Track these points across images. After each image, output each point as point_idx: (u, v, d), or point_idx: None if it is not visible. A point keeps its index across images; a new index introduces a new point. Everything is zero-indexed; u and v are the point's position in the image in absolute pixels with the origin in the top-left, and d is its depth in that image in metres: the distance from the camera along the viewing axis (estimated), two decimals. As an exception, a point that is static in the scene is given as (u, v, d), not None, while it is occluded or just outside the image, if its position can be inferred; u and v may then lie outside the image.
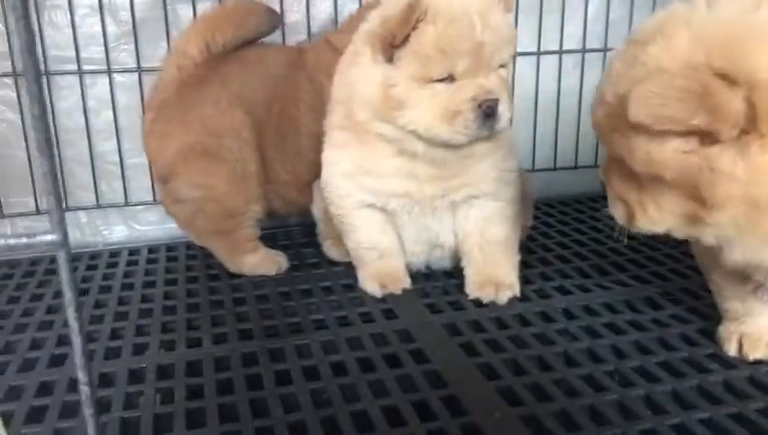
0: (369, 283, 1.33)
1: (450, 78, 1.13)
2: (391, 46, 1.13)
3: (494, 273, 1.30)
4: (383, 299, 1.30)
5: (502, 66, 1.18)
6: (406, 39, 1.12)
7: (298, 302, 1.30)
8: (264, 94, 1.41)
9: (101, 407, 0.94)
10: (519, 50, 1.73)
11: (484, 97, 1.12)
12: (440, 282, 1.37)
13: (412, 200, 1.27)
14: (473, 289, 1.30)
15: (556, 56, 1.81)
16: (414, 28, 1.12)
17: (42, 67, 1.51)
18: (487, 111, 1.12)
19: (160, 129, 1.38)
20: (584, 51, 1.82)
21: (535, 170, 1.86)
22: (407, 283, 1.33)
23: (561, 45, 1.80)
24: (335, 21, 1.66)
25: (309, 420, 0.92)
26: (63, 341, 1.16)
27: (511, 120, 1.23)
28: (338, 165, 1.31)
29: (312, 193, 1.45)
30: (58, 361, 1.10)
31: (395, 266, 1.34)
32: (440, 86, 1.13)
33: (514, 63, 1.67)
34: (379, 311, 1.25)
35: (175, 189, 1.38)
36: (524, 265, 1.36)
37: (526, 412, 0.92)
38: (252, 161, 1.39)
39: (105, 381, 1.04)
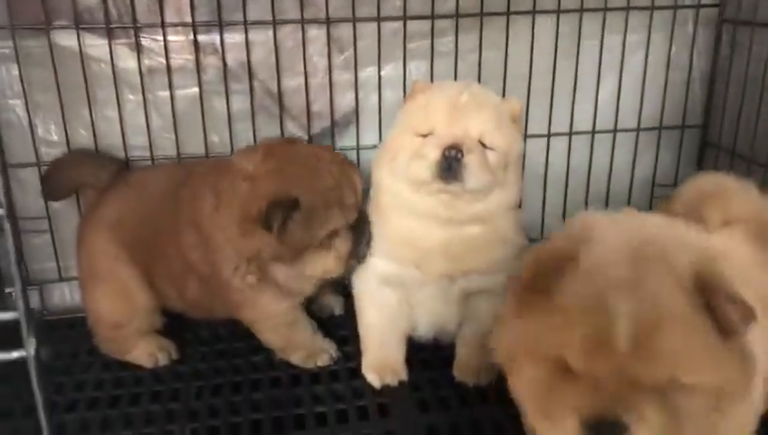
0: (370, 373, 1.51)
1: (431, 134, 1.33)
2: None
3: (482, 357, 1.42)
4: (380, 392, 1.47)
5: (488, 148, 1.33)
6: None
7: (307, 388, 1.49)
8: (138, 215, 1.54)
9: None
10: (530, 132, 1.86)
11: (448, 144, 1.29)
12: (435, 371, 1.54)
13: (424, 276, 1.42)
14: (459, 373, 1.49)
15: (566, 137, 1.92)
16: (414, 97, 1.40)
17: (95, 154, 1.72)
18: (448, 158, 1.28)
19: None
20: (594, 132, 1.92)
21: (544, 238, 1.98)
22: (403, 375, 1.50)
23: (570, 128, 1.90)
24: (356, 111, 1.81)
25: None
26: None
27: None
28: None
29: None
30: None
31: (394, 358, 1.51)
32: (421, 139, 1.35)
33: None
34: (376, 405, 1.43)
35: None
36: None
37: None
38: (131, 279, 1.54)
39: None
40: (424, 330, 1.52)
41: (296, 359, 1.56)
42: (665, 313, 0.79)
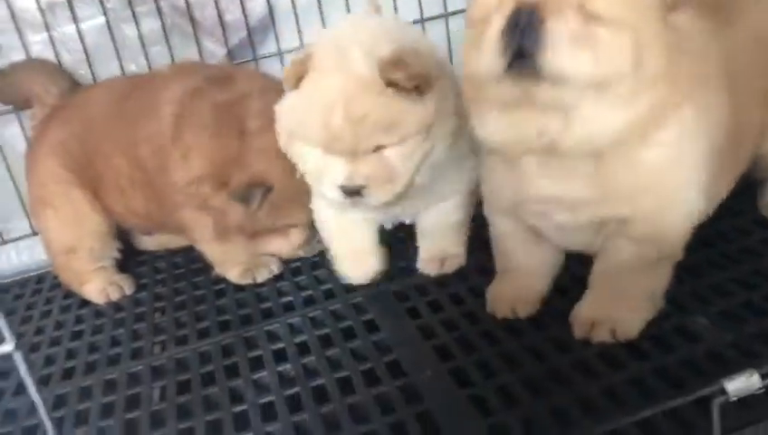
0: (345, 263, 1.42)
1: None
2: None
3: (444, 247, 1.42)
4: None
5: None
6: None
7: (271, 286, 1.47)
8: (83, 135, 1.52)
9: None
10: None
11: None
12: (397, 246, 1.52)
13: None
14: (423, 265, 1.42)
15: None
16: None
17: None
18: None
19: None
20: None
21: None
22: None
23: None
24: (271, 14, 1.77)
25: (277, 400, 1.10)
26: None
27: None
28: None
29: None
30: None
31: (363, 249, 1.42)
32: None
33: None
34: (341, 286, 1.41)
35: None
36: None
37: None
38: (81, 202, 1.52)
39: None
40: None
41: (233, 275, 1.50)
42: None
